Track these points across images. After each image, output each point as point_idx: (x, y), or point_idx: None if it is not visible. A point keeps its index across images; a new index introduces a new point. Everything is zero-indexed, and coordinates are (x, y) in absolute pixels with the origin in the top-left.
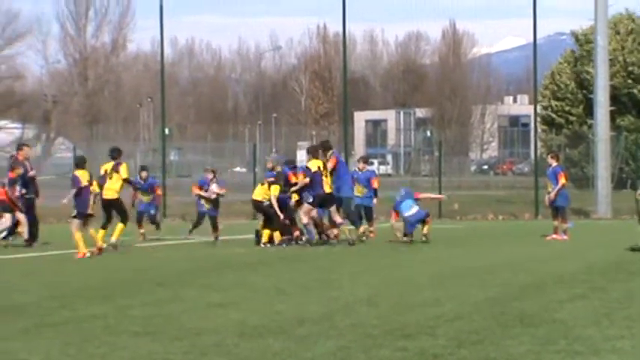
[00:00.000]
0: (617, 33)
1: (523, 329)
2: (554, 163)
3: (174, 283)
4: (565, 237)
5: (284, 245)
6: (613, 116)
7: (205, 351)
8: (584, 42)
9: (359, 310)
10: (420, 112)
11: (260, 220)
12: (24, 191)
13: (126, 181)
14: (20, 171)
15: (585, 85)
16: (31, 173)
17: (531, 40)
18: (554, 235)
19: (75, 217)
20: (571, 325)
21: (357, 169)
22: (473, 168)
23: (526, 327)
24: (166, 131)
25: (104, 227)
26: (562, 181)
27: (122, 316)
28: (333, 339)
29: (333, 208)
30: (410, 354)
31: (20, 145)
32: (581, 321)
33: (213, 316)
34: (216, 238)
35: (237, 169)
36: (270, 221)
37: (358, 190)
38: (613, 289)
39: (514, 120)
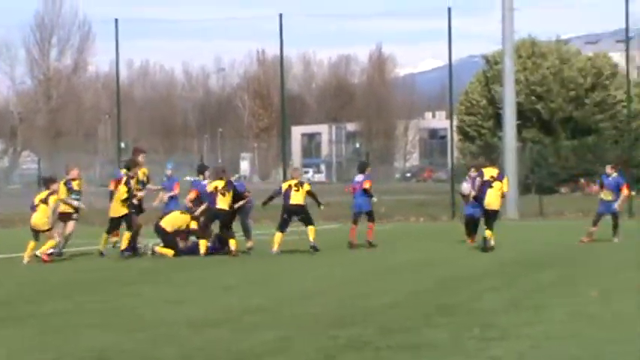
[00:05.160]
0: (520, 56)
1: (443, 318)
2: (614, 174)
3: (135, 281)
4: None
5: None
6: (519, 129)
7: (158, 341)
8: (493, 64)
9: (297, 303)
10: (350, 126)
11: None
12: None
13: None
14: None
15: (495, 102)
16: None
17: (448, 62)
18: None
19: None
20: (485, 314)
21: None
22: (397, 176)
23: (446, 316)
24: (122, 145)
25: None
26: (625, 192)
27: (81, 310)
28: (273, 329)
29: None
30: (342, 341)
31: None
32: (494, 310)
33: (167, 310)
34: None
35: (187, 177)
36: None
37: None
38: (522, 281)
39: (433, 133)
